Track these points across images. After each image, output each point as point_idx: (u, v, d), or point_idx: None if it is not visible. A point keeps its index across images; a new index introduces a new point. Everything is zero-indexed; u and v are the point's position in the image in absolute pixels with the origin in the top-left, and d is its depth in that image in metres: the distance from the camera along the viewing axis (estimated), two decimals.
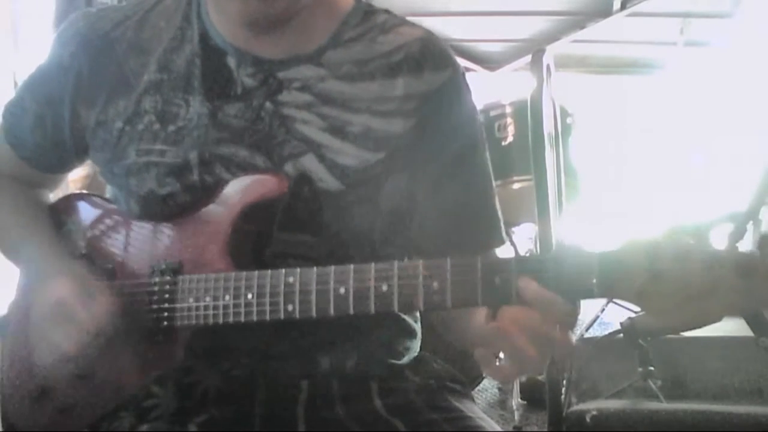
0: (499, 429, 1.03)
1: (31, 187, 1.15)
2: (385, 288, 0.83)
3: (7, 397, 1.08)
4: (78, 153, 1.08)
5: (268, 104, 0.98)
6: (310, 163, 0.97)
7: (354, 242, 0.99)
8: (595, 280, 0.77)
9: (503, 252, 1.09)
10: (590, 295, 0.78)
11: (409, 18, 1.07)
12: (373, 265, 0.84)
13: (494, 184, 1.07)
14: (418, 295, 0.82)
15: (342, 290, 0.85)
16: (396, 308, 0.83)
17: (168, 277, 0.96)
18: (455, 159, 1.02)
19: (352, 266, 0.85)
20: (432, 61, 1.01)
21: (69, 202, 1.13)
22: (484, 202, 1.06)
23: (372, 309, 0.84)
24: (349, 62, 1.00)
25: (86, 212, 1.09)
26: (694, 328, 0.77)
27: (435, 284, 0.82)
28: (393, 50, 1.01)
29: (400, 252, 1.06)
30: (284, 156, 0.98)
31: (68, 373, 1.01)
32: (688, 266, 0.73)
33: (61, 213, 1.12)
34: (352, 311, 0.85)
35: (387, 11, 1.06)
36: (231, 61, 1.00)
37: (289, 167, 0.97)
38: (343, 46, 1.00)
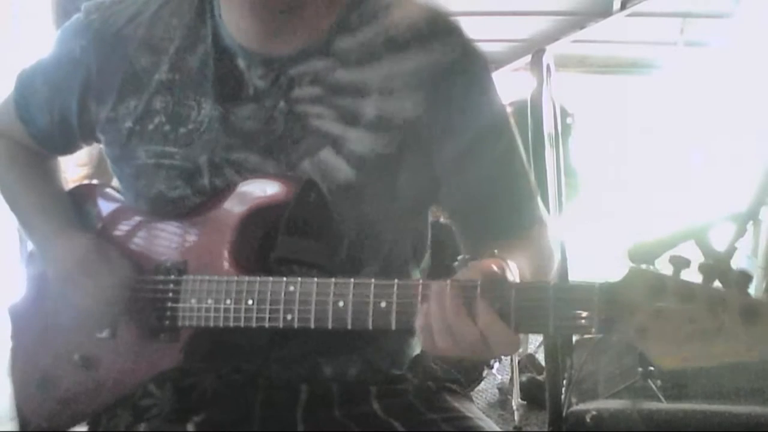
0: (498, 429, 1.03)
1: (41, 157, 1.15)
2: (383, 305, 0.83)
3: (16, 385, 1.10)
4: (85, 139, 1.09)
5: (282, 104, 0.97)
6: (327, 156, 0.96)
7: (369, 233, 0.98)
8: (594, 316, 0.75)
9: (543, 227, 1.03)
10: (588, 330, 0.76)
11: None
12: (372, 281, 0.84)
13: (522, 163, 1.03)
14: (416, 314, 0.81)
15: (341, 304, 0.85)
16: (393, 326, 0.83)
17: (172, 276, 0.96)
18: (472, 142, 0.99)
19: (352, 280, 0.85)
20: (439, 34, 0.98)
21: (81, 192, 1.13)
22: (511, 181, 1.02)
23: (369, 325, 0.84)
24: (357, 47, 0.98)
25: (97, 204, 1.10)
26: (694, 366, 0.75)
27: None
28: (399, 25, 0.98)
29: (416, 239, 1.05)
30: (300, 154, 0.97)
31: (72, 363, 1.02)
32: (691, 306, 0.71)
33: (72, 202, 1.12)
34: (350, 326, 0.84)
35: None
36: (241, 63, 0.98)
37: (306, 164, 0.96)
38: (350, 31, 0.98)
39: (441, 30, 0.98)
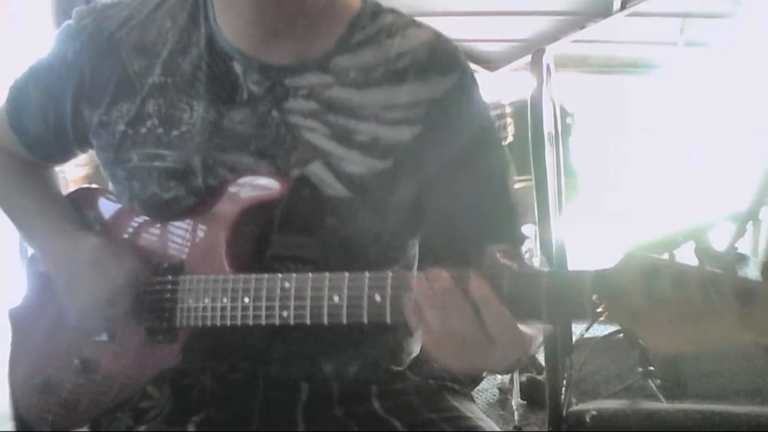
0: (498, 429, 1.03)
1: (36, 166, 1.15)
2: (378, 298, 0.83)
3: (16, 388, 1.10)
4: (80, 144, 1.08)
5: (274, 112, 0.97)
6: (317, 170, 0.96)
7: (360, 248, 0.98)
8: (587, 300, 0.74)
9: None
10: (583, 315, 0.75)
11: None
12: (367, 274, 0.83)
13: (510, 180, 1.04)
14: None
15: (336, 298, 0.85)
16: (388, 319, 0.82)
17: (170, 277, 0.96)
18: (463, 157, 1.00)
19: (346, 274, 0.85)
20: (439, 65, 0.98)
21: (78, 196, 1.13)
22: (494, 199, 1.02)
23: (365, 319, 0.84)
24: (355, 68, 0.97)
25: (93, 207, 1.10)
26: (690, 354, 0.74)
27: None
28: (399, 55, 0.98)
29: (405, 257, 1.06)
30: (291, 163, 0.97)
31: (71, 366, 1.02)
32: (686, 289, 0.70)
33: (71, 206, 1.12)
34: (345, 320, 0.84)
35: (394, 11, 1.03)
36: (237, 67, 0.98)
37: (295, 174, 0.96)
38: (351, 51, 0.98)
39: (440, 61, 0.99)
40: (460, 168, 0.99)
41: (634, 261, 0.73)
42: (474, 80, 1.02)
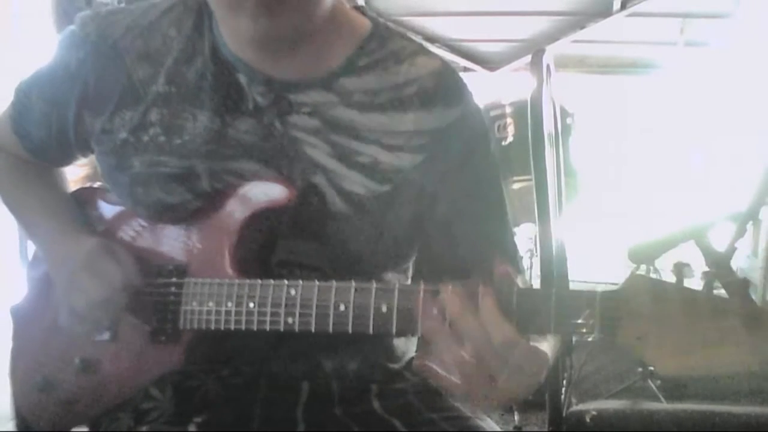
0: (498, 429, 1.03)
1: (42, 165, 1.15)
2: (384, 309, 0.83)
3: (17, 386, 1.10)
4: (81, 149, 1.08)
5: (277, 123, 0.97)
6: (319, 182, 0.96)
7: (359, 258, 0.98)
8: (595, 323, 0.74)
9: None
10: (589, 336, 0.75)
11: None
12: (374, 283, 0.83)
13: (501, 187, 1.04)
14: (416, 319, 0.81)
15: (342, 307, 0.85)
16: (393, 330, 0.82)
17: (174, 279, 0.96)
18: (461, 172, 0.99)
19: (353, 283, 0.84)
20: (445, 96, 0.98)
21: (81, 195, 1.13)
22: (490, 204, 1.03)
23: (370, 330, 0.83)
24: (360, 91, 0.97)
25: (98, 207, 1.10)
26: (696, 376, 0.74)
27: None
28: (406, 82, 0.97)
29: (404, 267, 1.06)
30: (295, 174, 0.97)
31: (72, 366, 1.02)
32: (694, 313, 0.71)
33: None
34: (350, 330, 0.84)
35: (404, 36, 1.03)
36: (242, 78, 0.97)
37: (299, 184, 0.96)
38: (356, 73, 0.97)
39: (447, 91, 0.99)
40: (457, 181, 0.99)
41: (641, 282, 0.73)
42: (477, 109, 1.02)
